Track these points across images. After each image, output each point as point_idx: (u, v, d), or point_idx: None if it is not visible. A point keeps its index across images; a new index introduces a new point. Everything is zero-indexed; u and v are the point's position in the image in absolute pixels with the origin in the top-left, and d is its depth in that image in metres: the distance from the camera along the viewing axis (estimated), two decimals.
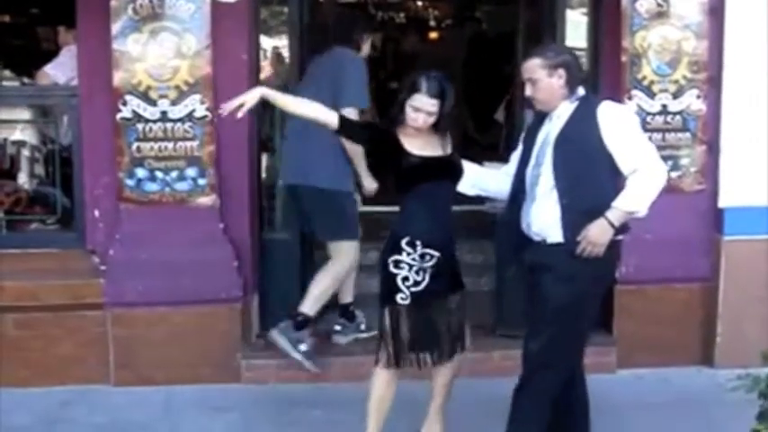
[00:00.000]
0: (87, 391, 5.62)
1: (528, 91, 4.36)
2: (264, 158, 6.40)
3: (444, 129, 4.57)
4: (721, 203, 5.96)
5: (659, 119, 5.88)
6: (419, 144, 4.50)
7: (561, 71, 4.26)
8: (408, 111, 4.44)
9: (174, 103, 5.56)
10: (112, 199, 5.68)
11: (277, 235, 6.25)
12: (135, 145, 5.57)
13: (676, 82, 5.86)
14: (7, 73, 6.25)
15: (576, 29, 6.50)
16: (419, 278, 4.49)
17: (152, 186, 5.61)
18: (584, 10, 6.46)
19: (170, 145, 5.59)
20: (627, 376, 5.83)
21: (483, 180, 4.77)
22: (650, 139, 5.70)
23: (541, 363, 4.37)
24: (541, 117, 4.43)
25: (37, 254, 5.82)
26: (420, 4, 14.70)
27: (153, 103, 5.54)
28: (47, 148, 6.14)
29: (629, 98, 5.83)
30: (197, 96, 5.56)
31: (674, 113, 5.89)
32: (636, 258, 5.83)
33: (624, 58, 5.84)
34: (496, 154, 9.96)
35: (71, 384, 5.66)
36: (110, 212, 5.73)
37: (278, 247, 6.13)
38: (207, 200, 5.64)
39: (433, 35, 14.53)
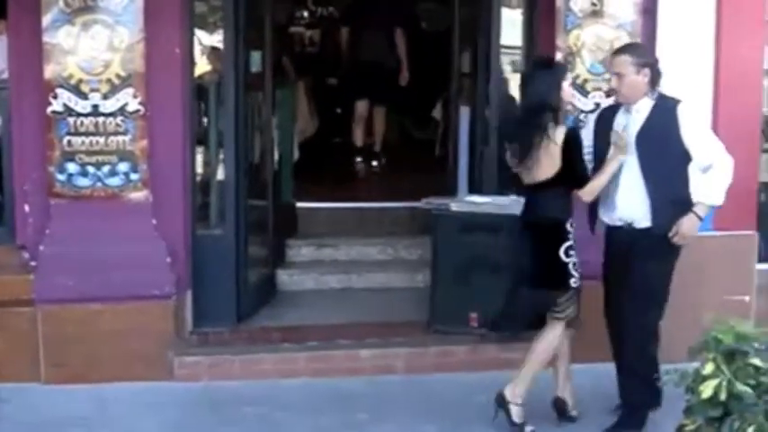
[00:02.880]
0: (17, 389, 5.50)
1: (613, 83, 4.88)
2: (200, 154, 6.34)
3: None
4: None
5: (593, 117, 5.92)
6: None
7: (647, 70, 4.79)
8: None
9: (105, 96, 5.49)
10: (43, 194, 5.58)
11: (211, 231, 6.20)
12: (66, 139, 5.49)
13: (609, 81, 5.90)
14: None
15: (511, 27, 6.54)
16: (577, 260, 4.85)
17: (83, 181, 5.52)
18: (520, 9, 6.50)
19: (102, 139, 5.52)
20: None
21: None
22: None
23: (648, 332, 4.92)
24: (614, 108, 4.99)
25: None
26: None
27: (84, 96, 5.46)
28: None
29: None
30: (129, 90, 5.49)
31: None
32: None
33: (558, 57, 5.88)
34: (433, 150, 10.07)
35: (0, 383, 5.54)
36: (40, 207, 5.62)
37: (212, 244, 6.08)
38: (139, 195, 5.58)
39: None
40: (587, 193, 4.80)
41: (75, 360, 5.57)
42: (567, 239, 4.79)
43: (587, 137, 5.00)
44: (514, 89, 6.94)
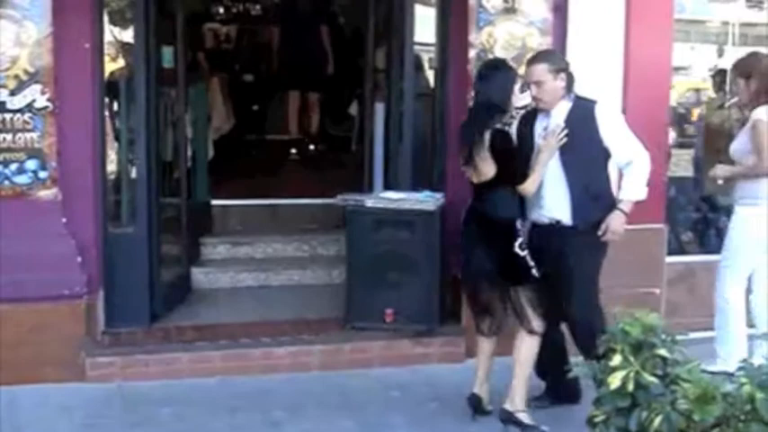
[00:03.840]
0: None
1: (533, 92, 4.99)
2: (113, 151, 6.24)
3: None
4: None
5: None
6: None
7: (563, 75, 4.99)
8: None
9: (12, 93, 5.37)
10: None
11: (123, 229, 6.11)
12: None
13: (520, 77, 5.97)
14: None
15: (424, 24, 6.57)
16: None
17: None
18: (433, 5, 6.53)
19: (9, 136, 5.40)
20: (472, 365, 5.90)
21: None
22: None
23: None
24: (532, 113, 5.13)
25: None
26: None
27: None
28: None
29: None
30: (37, 87, 5.39)
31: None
32: None
33: (471, 53, 5.93)
34: (349, 146, 10.07)
35: None
36: None
37: (124, 242, 5.98)
38: (48, 193, 5.47)
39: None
40: (528, 187, 4.89)
41: None
42: (519, 236, 4.91)
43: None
44: (427, 86, 7.02)
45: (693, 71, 9.46)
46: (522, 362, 5.00)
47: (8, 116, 5.39)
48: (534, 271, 4.91)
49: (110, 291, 5.90)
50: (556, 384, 5.25)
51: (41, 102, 5.40)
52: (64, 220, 5.52)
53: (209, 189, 8.06)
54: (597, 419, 3.32)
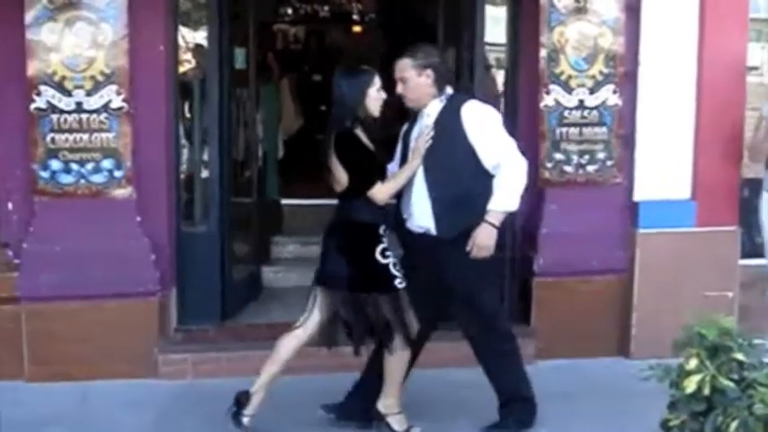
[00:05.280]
0: (1, 387, 5.50)
1: (399, 89, 4.70)
2: (185, 150, 6.32)
3: None
4: (636, 197, 6.06)
5: (576, 113, 5.96)
6: (366, 140, 4.71)
7: (429, 71, 4.64)
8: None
9: (89, 93, 5.47)
10: (26, 191, 5.56)
11: (196, 228, 6.18)
12: (49, 136, 5.47)
13: (593, 77, 5.94)
14: None
15: (495, 24, 6.54)
16: (396, 261, 4.70)
17: (67, 178, 5.51)
18: (504, 6, 6.50)
19: (85, 136, 5.50)
20: (545, 367, 5.86)
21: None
22: (567, 133, 5.87)
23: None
24: (416, 117, 4.81)
25: None
26: None
27: (68, 93, 5.44)
28: None
29: (547, 93, 5.90)
30: (113, 87, 5.47)
31: (591, 108, 5.97)
32: (553, 251, 5.94)
33: (542, 54, 5.90)
34: None
35: None
36: (24, 205, 5.61)
37: (197, 241, 6.06)
38: (123, 192, 5.56)
39: (357, 29, 14.53)
40: (379, 193, 4.61)
41: (58, 358, 5.56)
42: (381, 242, 4.65)
43: (397, 153, 4.95)
44: (495, 87, 6.98)
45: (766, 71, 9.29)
46: (390, 373, 4.81)
47: (85, 116, 5.48)
48: (398, 282, 4.64)
49: (182, 288, 6.00)
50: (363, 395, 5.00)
51: (117, 102, 5.49)
52: (138, 218, 5.60)
53: (280, 188, 8.12)
54: (672, 423, 3.29)
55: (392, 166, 4.91)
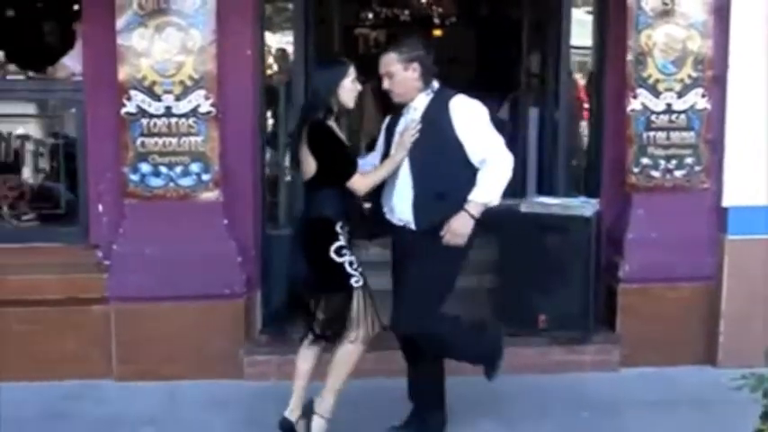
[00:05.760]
0: (89, 385, 5.62)
1: (385, 84, 4.65)
2: (270, 154, 6.39)
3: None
4: (725, 202, 5.94)
5: (664, 117, 5.86)
6: (340, 133, 4.66)
7: (416, 65, 4.58)
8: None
9: (178, 98, 5.55)
10: (116, 194, 5.68)
11: (281, 230, 6.23)
12: (139, 140, 5.56)
13: (681, 81, 5.84)
14: (12, 67, 6.22)
15: (580, 27, 6.49)
16: (354, 258, 4.61)
17: (156, 181, 5.60)
18: (589, 8, 6.45)
19: (174, 140, 5.58)
20: (630, 375, 5.81)
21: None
22: (654, 138, 5.79)
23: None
24: (400, 109, 4.75)
25: (40, 248, 5.83)
26: (424, 1, 14.67)
27: (157, 98, 5.53)
28: (51, 143, 6.13)
29: (634, 97, 5.82)
30: (201, 92, 5.55)
31: (679, 112, 5.87)
32: (639, 257, 5.86)
33: (629, 57, 5.82)
34: None
35: (73, 379, 5.66)
36: (114, 207, 5.73)
37: (282, 243, 6.09)
38: (211, 195, 5.64)
39: (438, 33, 14.51)
40: (358, 184, 4.56)
41: (146, 357, 5.67)
42: (337, 239, 4.56)
43: (379, 145, 4.91)
44: (584, 90, 6.93)
45: None
46: (334, 367, 4.71)
47: (174, 120, 5.57)
48: (354, 280, 4.56)
49: (267, 291, 6.05)
50: (425, 407, 4.97)
51: (205, 107, 5.56)
52: (225, 221, 5.67)
53: None
54: None
55: (373, 158, 4.90)
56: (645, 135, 5.87)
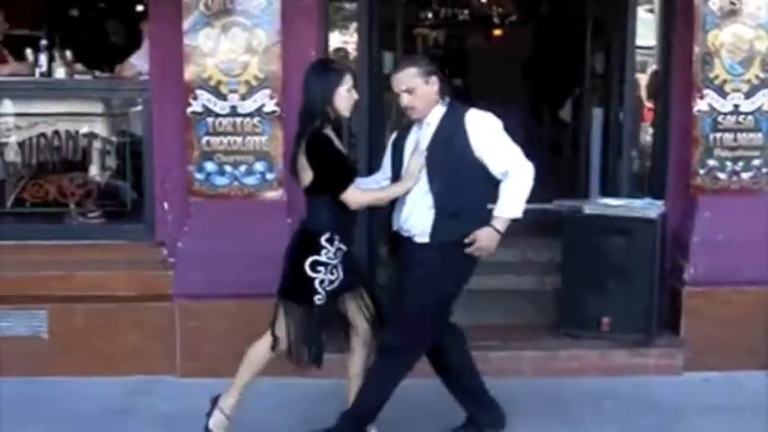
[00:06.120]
0: (154, 381, 5.70)
1: (405, 101, 4.54)
2: None
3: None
4: None
5: (731, 119, 5.79)
6: (338, 143, 4.58)
7: (434, 78, 4.55)
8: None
9: (243, 97, 5.60)
10: (182, 192, 5.75)
11: None
12: (205, 139, 5.63)
13: (749, 81, 5.76)
14: (79, 66, 6.31)
15: (642, 26, 6.43)
16: (333, 277, 4.53)
17: (221, 180, 5.66)
18: (650, 6, 6.38)
19: (239, 139, 5.63)
20: (694, 379, 5.74)
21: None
22: (721, 139, 5.72)
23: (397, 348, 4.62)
24: (408, 125, 4.69)
25: (106, 245, 5.93)
26: (484, 0, 14.65)
27: (223, 97, 5.59)
28: (118, 141, 6.22)
29: (701, 97, 5.75)
30: (266, 91, 5.59)
31: (747, 113, 5.79)
32: (705, 260, 5.79)
33: (696, 57, 5.76)
34: (560, 153, 9.97)
35: (138, 375, 5.74)
36: (179, 205, 5.81)
37: None
38: (275, 194, 5.68)
39: (497, 32, 14.48)
40: (353, 197, 4.49)
41: (209, 354, 5.71)
42: (316, 253, 4.48)
43: (386, 162, 4.81)
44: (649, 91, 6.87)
45: None
46: (247, 365, 4.78)
47: (239, 120, 5.62)
48: (317, 297, 4.49)
49: None
50: (476, 408, 4.93)
51: (270, 106, 5.60)
52: (288, 220, 5.69)
53: None
54: None
55: (380, 176, 4.83)
56: (711, 136, 5.80)
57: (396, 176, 4.68)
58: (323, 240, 4.50)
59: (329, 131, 4.52)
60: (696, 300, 5.84)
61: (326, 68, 4.65)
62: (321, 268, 4.50)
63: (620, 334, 5.82)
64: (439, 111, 4.58)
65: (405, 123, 4.76)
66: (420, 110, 4.56)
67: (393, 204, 4.69)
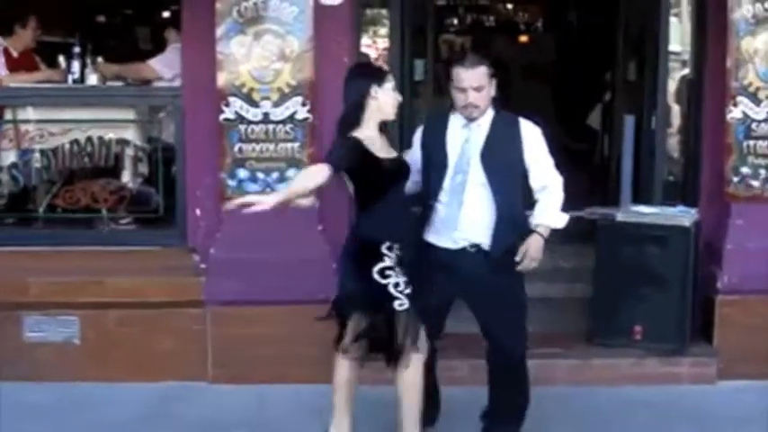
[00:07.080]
0: (185, 387, 5.71)
1: (471, 98, 4.47)
2: None
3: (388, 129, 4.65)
4: None
5: (765, 126, 5.74)
6: (380, 147, 4.47)
7: (494, 80, 4.56)
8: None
9: (276, 105, 5.61)
10: (214, 199, 5.75)
11: None
12: (237, 146, 5.63)
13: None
14: (114, 67, 6.35)
15: (677, 33, 6.41)
16: (404, 279, 4.46)
17: (253, 187, 5.65)
18: (687, 14, 6.36)
19: (271, 146, 5.64)
20: (727, 388, 5.70)
21: None
22: (754, 147, 5.70)
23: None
24: (441, 120, 4.66)
25: (139, 251, 5.96)
26: (510, 7, 14.63)
27: (255, 104, 5.60)
28: (150, 148, 6.25)
29: (735, 105, 5.71)
30: (299, 99, 5.60)
31: None
32: (738, 268, 5.75)
33: (729, 64, 5.72)
34: (590, 160, 9.92)
35: (169, 381, 5.74)
36: (211, 212, 5.81)
37: None
38: (306, 201, 5.60)
39: (523, 39, 14.46)
40: (314, 170, 4.49)
41: (240, 360, 5.73)
42: (382, 260, 4.40)
43: (414, 151, 4.75)
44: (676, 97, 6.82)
45: None
46: (403, 398, 4.59)
47: (271, 127, 5.63)
48: (398, 303, 4.40)
49: None
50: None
51: (302, 113, 5.61)
52: (320, 227, 5.71)
53: None
54: None
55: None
56: (745, 144, 5.76)
57: (427, 167, 4.62)
58: (383, 249, 4.44)
59: (369, 133, 4.43)
60: (729, 308, 5.80)
61: (361, 71, 4.68)
62: (390, 272, 4.43)
63: (652, 343, 5.79)
64: (489, 114, 4.57)
65: (433, 117, 4.71)
66: (482, 109, 4.53)
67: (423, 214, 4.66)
